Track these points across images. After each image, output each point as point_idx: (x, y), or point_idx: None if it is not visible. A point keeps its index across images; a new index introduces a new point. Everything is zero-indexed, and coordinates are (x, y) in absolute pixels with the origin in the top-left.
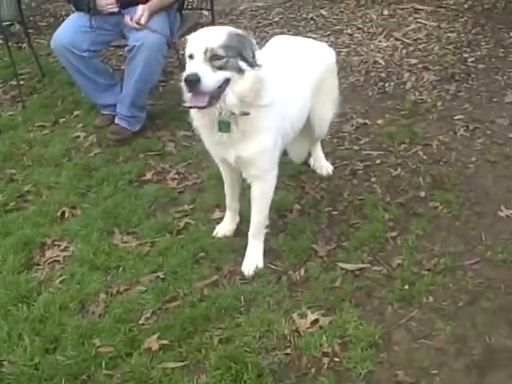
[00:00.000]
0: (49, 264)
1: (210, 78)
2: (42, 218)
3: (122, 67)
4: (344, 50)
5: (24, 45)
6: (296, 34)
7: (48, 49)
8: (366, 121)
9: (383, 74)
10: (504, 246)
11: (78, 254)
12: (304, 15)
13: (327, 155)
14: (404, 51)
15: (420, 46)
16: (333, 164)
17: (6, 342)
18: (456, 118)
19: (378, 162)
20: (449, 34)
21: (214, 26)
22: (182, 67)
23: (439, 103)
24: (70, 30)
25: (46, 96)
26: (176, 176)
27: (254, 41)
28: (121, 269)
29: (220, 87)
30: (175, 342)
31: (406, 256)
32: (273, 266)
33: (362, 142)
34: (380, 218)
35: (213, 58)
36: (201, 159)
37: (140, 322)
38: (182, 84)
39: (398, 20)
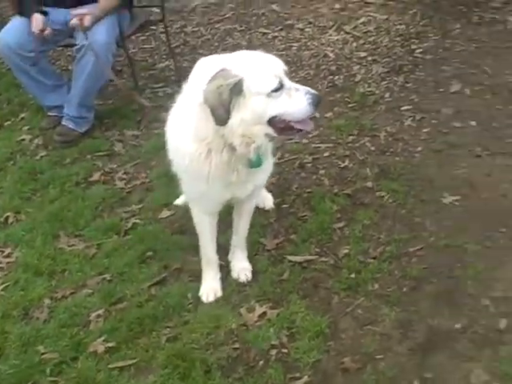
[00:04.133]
0: None
1: None
2: None
3: (70, 67)
4: (295, 44)
5: None
6: (248, 30)
7: None
8: (316, 114)
9: (333, 68)
10: (447, 232)
11: (22, 260)
12: (255, 11)
13: (276, 149)
14: (354, 44)
15: (370, 39)
16: (281, 158)
17: None
18: (403, 108)
19: (326, 154)
20: (398, 27)
21: (250, 51)
22: (133, 67)
23: (387, 94)
24: (16, 30)
25: None
26: (124, 176)
27: None
28: (66, 272)
29: None
30: (122, 344)
31: (352, 246)
32: (221, 262)
33: (310, 136)
34: (327, 210)
35: (279, 86)
36: (149, 158)
37: (85, 325)
38: (304, 108)
39: (348, 13)
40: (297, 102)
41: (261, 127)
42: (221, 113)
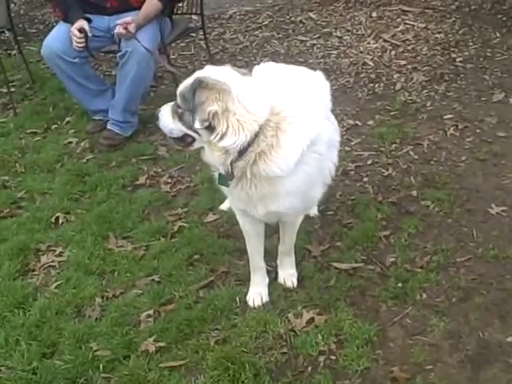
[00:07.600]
0: (44, 269)
1: (167, 122)
2: (37, 224)
3: (113, 72)
4: (334, 52)
5: (14, 52)
6: (286, 37)
7: (38, 55)
8: (357, 122)
9: (373, 76)
10: (495, 243)
11: (73, 259)
12: (293, 18)
13: None
14: (393, 52)
15: (408, 47)
16: None
17: (4, 348)
18: (445, 117)
19: (369, 162)
20: (437, 35)
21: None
22: (174, 74)
23: (429, 103)
24: (60, 36)
25: (38, 102)
26: (169, 180)
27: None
28: (116, 273)
29: (183, 139)
30: (172, 344)
31: (399, 254)
32: (268, 267)
33: (353, 143)
34: (372, 218)
35: (176, 104)
36: (193, 163)
37: (136, 325)
38: None
39: (386, 22)
40: None
41: None
42: None
